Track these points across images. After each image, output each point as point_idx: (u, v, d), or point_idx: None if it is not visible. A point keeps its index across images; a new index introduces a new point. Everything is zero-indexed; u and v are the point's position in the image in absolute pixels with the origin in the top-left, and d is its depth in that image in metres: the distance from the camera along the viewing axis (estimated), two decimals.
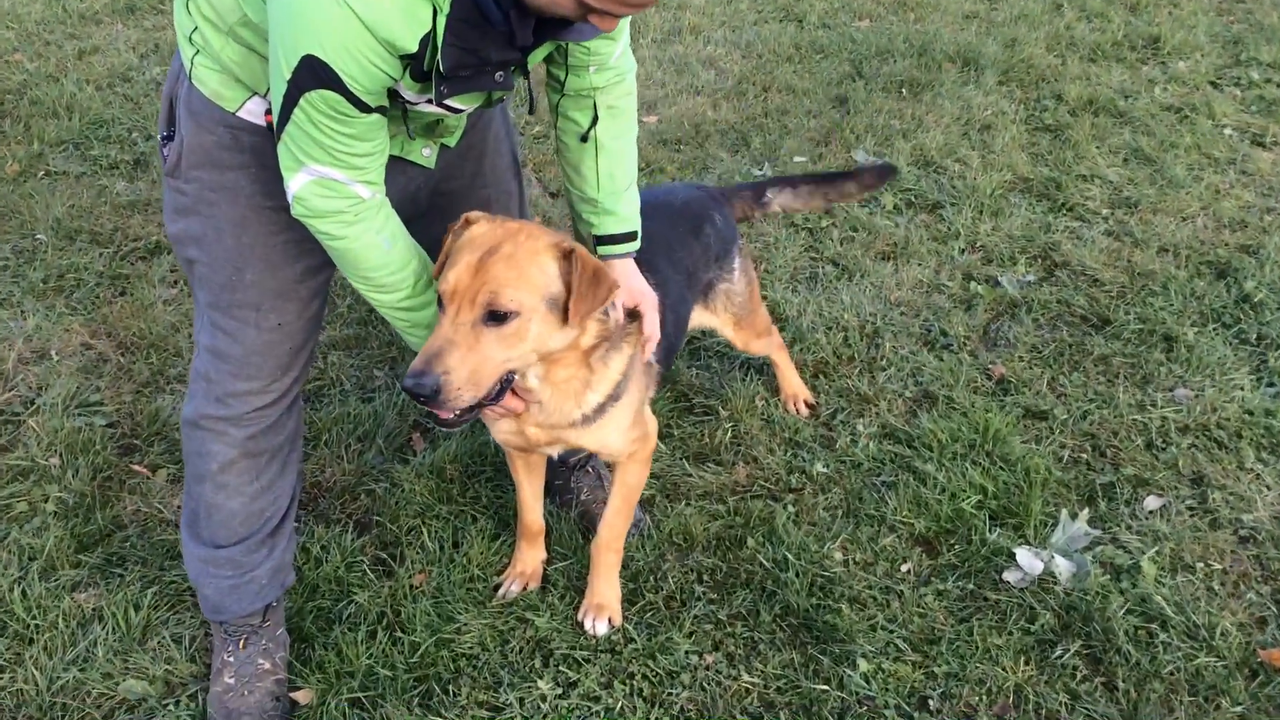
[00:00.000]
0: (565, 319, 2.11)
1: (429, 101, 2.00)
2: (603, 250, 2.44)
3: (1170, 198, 4.56)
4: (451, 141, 2.37)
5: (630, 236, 2.45)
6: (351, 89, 1.84)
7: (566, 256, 2.10)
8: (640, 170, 4.82)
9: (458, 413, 2.06)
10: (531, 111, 2.23)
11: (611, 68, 2.29)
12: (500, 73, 1.97)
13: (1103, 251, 4.19)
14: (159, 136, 2.26)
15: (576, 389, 2.31)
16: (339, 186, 1.98)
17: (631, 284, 2.46)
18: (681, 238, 2.83)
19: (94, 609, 2.68)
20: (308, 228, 2.08)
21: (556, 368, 2.24)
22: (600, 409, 2.37)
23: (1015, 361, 3.59)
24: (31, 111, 5.21)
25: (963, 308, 3.90)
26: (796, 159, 4.94)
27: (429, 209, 2.47)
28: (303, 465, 2.74)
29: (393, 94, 1.98)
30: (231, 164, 2.15)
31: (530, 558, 2.80)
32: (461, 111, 2.13)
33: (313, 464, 3.18)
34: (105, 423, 3.30)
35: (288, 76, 1.83)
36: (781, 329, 3.72)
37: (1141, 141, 5.01)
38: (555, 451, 2.55)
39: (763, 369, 3.56)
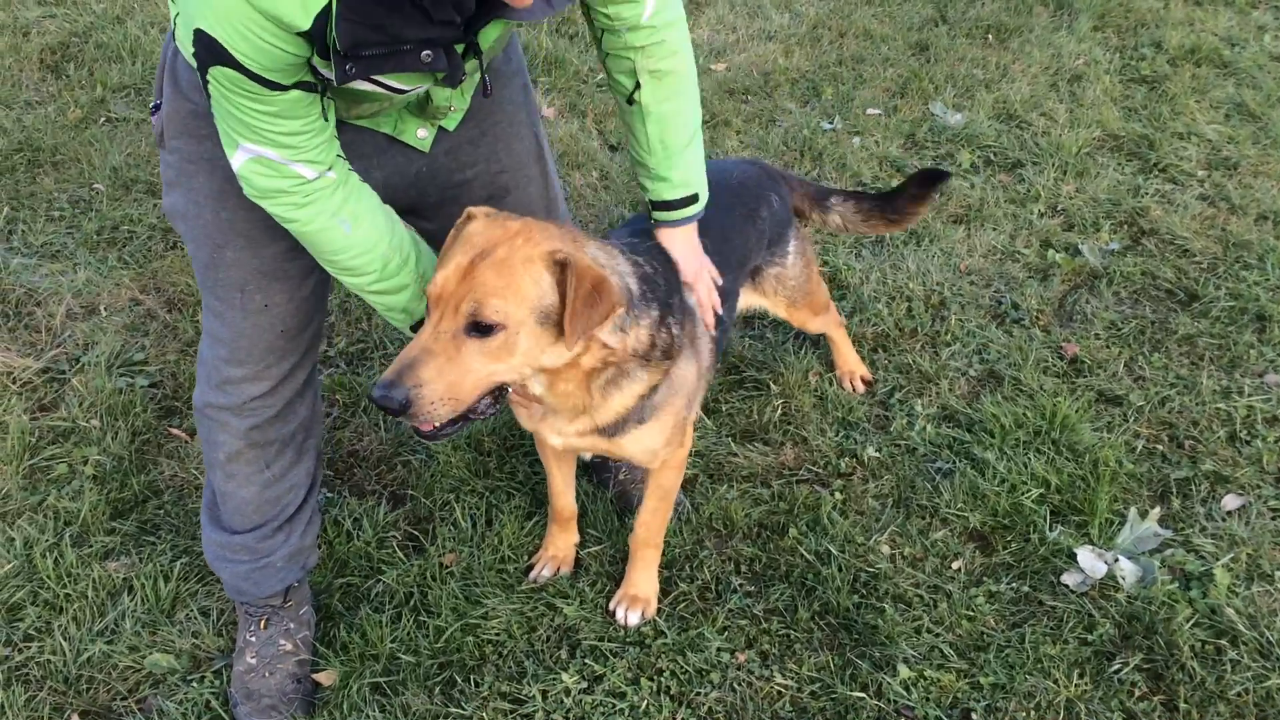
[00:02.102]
0: (561, 334, 1.92)
1: (354, 81, 1.80)
2: (658, 216, 2.31)
3: (1273, 159, 4.23)
4: (450, 125, 2.21)
5: (688, 201, 2.29)
6: (248, 66, 1.68)
7: (563, 266, 1.89)
8: (705, 123, 4.63)
9: (437, 426, 1.91)
10: (486, 95, 1.99)
11: (646, 26, 2.08)
12: (427, 52, 1.76)
13: (1195, 218, 3.90)
14: (150, 106, 2.16)
15: (577, 406, 2.14)
16: (277, 166, 1.84)
17: (685, 256, 2.31)
18: (737, 224, 2.63)
19: (124, 579, 2.67)
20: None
21: (559, 382, 2.05)
22: (618, 427, 2.21)
23: (1091, 339, 3.37)
24: (96, 55, 5.18)
25: (1038, 278, 3.67)
26: (870, 111, 4.69)
27: (443, 200, 2.31)
28: (323, 446, 2.66)
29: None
30: (207, 133, 2.02)
31: (562, 542, 2.70)
32: (405, 92, 1.93)
33: (350, 432, 3.12)
34: (147, 383, 3.28)
35: (192, 51, 1.70)
36: (841, 298, 3.54)
37: (1246, 96, 4.65)
38: (587, 454, 2.44)
39: (819, 341, 3.38)
